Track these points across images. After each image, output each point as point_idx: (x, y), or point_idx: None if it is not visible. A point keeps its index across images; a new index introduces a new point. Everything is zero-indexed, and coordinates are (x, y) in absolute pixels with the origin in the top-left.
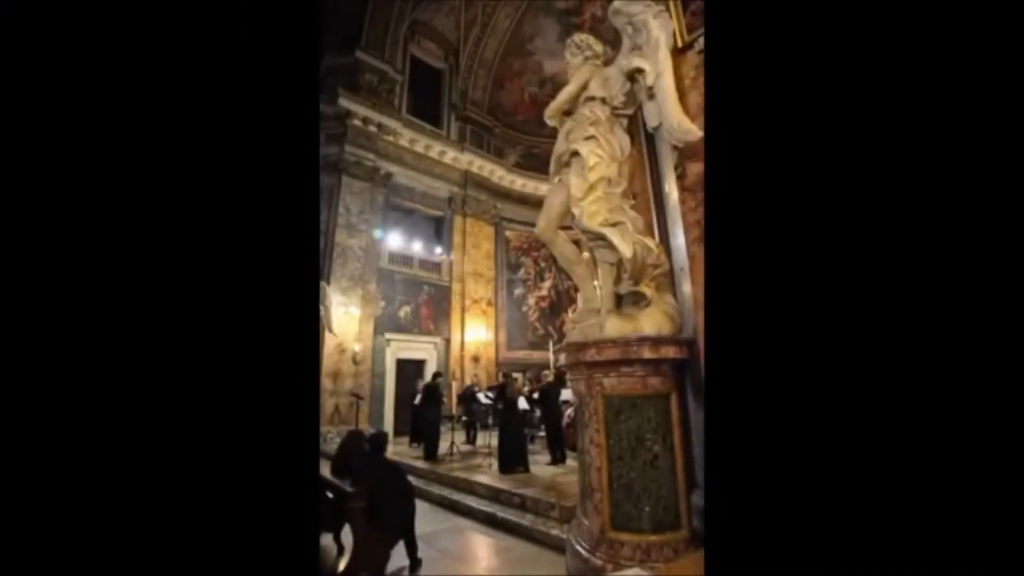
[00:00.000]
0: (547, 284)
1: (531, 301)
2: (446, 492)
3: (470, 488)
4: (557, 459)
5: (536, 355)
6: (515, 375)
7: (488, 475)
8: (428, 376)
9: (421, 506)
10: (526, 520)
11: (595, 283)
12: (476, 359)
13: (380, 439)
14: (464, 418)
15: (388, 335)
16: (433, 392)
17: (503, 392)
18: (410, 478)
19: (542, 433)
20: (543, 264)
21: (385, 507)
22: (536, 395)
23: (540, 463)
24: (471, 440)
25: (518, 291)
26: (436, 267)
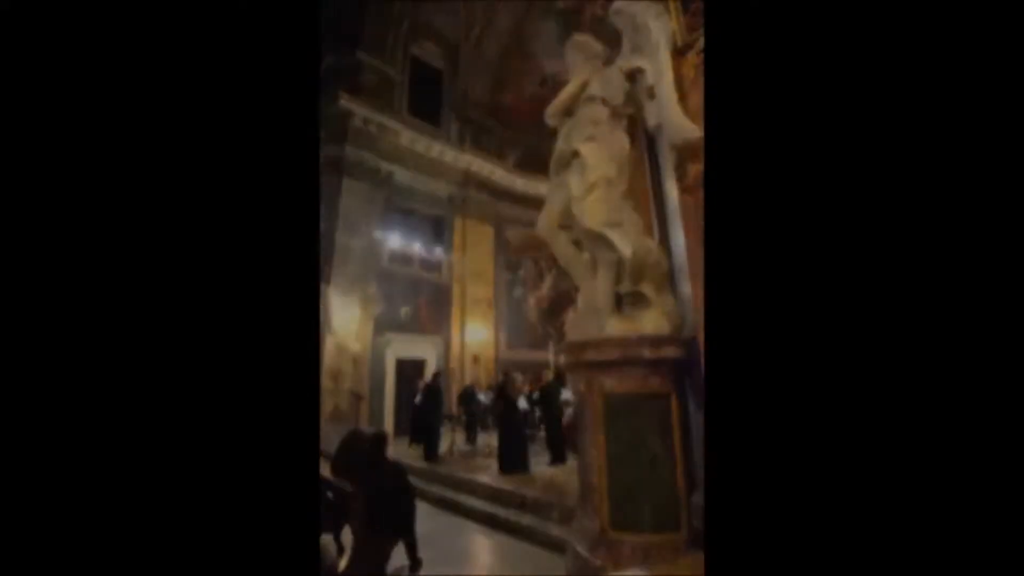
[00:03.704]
0: (547, 284)
1: (531, 301)
2: (446, 492)
3: (470, 488)
4: (557, 459)
5: (536, 355)
6: (515, 375)
7: (488, 475)
8: (428, 376)
9: (421, 506)
10: (526, 520)
11: (595, 283)
12: (476, 359)
13: (380, 439)
14: (464, 418)
15: (388, 335)
16: (433, 392)
17: (503, 392)
18: (410, 478)
19: (542, 433)
20: (543, 264)
21: (385, 507)
22: (536, 395)
23: (540, 463)
24: (471, 440)
25: (518, 291)
26: (436, 267)
